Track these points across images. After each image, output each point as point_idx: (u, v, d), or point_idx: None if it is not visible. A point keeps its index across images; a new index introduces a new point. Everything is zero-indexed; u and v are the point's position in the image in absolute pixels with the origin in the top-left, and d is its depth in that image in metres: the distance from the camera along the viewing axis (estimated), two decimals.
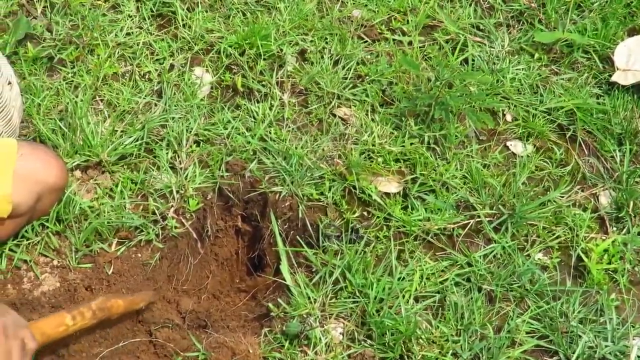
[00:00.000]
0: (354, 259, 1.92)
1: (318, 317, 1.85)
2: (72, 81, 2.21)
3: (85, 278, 1.87)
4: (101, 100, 2.19)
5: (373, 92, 2.28)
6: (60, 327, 1.63)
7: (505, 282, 1.94)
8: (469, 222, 2.05)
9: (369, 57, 2.38)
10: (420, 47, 2.43)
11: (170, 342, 1.82)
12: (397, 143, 2.16)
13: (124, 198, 1.99)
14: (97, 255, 1.91)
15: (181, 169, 2.07)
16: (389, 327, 1.81)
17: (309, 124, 2.21)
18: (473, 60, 2.41)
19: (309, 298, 1.88)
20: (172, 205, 2.01)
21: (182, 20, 2.40)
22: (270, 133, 2.16)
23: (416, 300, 1.90)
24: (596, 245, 2.04)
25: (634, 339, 1.88)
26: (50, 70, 2.24)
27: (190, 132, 2.13)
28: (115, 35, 2.33)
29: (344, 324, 1.85)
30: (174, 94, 2.22)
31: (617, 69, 2.43)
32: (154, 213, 1.99)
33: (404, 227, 2.01)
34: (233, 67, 2.32)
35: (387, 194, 2.08)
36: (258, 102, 2.24)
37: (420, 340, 1.82)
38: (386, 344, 1.81)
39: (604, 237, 2.08)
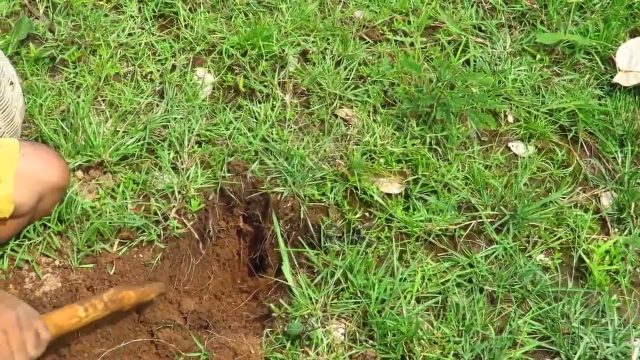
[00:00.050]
0: (355, 259, 1.92)
1: (320, 317, 1.85)
2: (74, 81, 2.21)
3: (87, 278, 1.87)
4: (103, 101, 2.19)
5: (375, 93, 2.28)
6: (73, 319, 1.64)
7: (507, 283, 1.94)
8: (471, 223, 2.05)
9: (370, 58, 2.38)
10: (422, 48, 2.43)
11: (172, 343, 1.82)
12: (398, 144, 2.16)
13: (125, 198, 1.99)
14: (99, 256, 1.91)
15: (183, 169, 2.07)
16: (391, 327, 1.81)
17: (311, 125, 2.22)
18: (475, 61, 2.41)
19: (311, 299, 1.88)
20: (173, 206, 2.01)
21: (184, 20, 2.40)
22: (272, 134, 2.16)
23: (418, 301, 1.90)
24: (598, 246, 2.04)
25: (635, 340, 1.88)
26: (52, 71, 2.24)
27: (192, 132, 2.13)
28: (117, 35, 2.33)
29: (345, 324, 1.85)
30: (176, 94, 2.22)
31: (619, 70, 2.43)
32: (155, 213, 1.99)
33: (406, 228, 2.01)
34: (235, 67, 2.32)
35: (389, 195, 2.08)
36: (260, 102, 2.24)
37: (422, 341, 1.82)
38: (388, 345, 1.81)
39: (605, 239, 2.08)
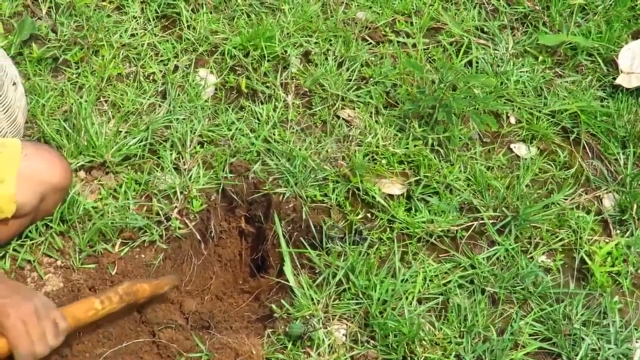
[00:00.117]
0: (357, 260, 1.92)
1: (321, 318, 1.85)
2: (77, 82, 2.22)
3: (89, 278, 1.87)
4: (105, 101, 2.20)
5: (377, 94, 2.28)
6: (90, 312, 1.66)
7: (509, 284, 1.93)
8: (473, 224, 2.05)
9: (373, 59, 2.39)
10: (424, 49, 2.43)
11: (174, 343, 1.82)
12: (400, 145, 2.16)
13: (127, 199, 2.00)
14: (101, 256, 1.91)
15: (185, 170, 2.07)
16: (392, 328, 1.81)
17: (313, 126, 2.22)
18: (477, 62, 2.41)
19: (312, 299, 1.88)
20: (175, 206, 2.01)
21: (187, 21, 2.40)
22: (274, 134, 2.16)
23: (419, 302, 1.90)
24: (599, 247, 2.04)
25: (637, 342, 1.87)
26: (54, 71, 2.25)
27: (194, 133, 2.14)
28: (120, 36, 2.34)
29: (347, 325, 1.85)
30: (178, 95, 2.22)
31: (621, 71, 2.43)
32: (157, 214, 1.99)
33: (408, 228, 2.01)
34: (237, 68, 2.32)
35: (391, 196, 2.08)
36: (262, 103, 2.24)
37: (424, 342, 1.82)
38: (389, 346, 1.81)
39: (607, 240, 2.08)
